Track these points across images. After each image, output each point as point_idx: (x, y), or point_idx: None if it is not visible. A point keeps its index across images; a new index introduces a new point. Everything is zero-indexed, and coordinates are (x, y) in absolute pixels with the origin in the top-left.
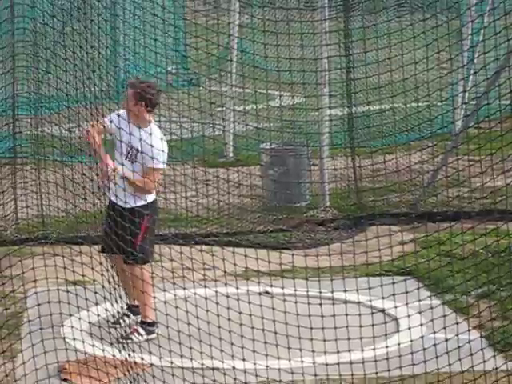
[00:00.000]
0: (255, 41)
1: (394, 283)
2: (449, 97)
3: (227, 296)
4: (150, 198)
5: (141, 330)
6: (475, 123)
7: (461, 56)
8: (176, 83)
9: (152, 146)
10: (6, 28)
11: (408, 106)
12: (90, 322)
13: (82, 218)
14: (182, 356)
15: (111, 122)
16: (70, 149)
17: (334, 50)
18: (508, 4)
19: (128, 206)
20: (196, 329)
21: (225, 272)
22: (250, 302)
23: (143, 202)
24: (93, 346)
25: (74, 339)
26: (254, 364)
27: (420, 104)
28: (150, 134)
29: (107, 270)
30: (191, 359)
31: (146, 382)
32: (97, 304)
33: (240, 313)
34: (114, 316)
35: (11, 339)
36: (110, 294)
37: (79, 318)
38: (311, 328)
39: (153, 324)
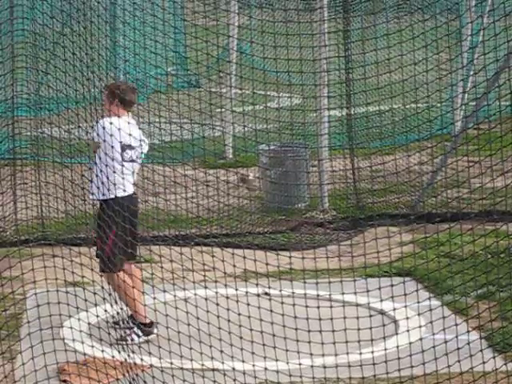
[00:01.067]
0: (254, 42)
1: (393, 285)
2: (448, 98)
3: (227, 297)
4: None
5: (139, 332)
6: (475, 124)
7: (460, 57)
8: (176, 84)
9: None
10: (5, 29)
11: (407, 107)
12: (89, 323)
13: (81, 220)
14: (181, 357)
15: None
16: (70, 150)
17: (333, 52)
18: (508, 5)
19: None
20: (196, 330)
21: (225, 273)
22: (248, 304)
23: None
24: (92, 347)
25: (74, 340)
26: (253, 366)
27: (419, 105)
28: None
29: None
30: (191, 360)
31: (145, 382)
32: (96, 305)
33: (239, 314)
34: (113, 317)
35: (10, 340)
36: (110, 294)
37: (78, 319)
38: (309, 331)
39: (150, 325)
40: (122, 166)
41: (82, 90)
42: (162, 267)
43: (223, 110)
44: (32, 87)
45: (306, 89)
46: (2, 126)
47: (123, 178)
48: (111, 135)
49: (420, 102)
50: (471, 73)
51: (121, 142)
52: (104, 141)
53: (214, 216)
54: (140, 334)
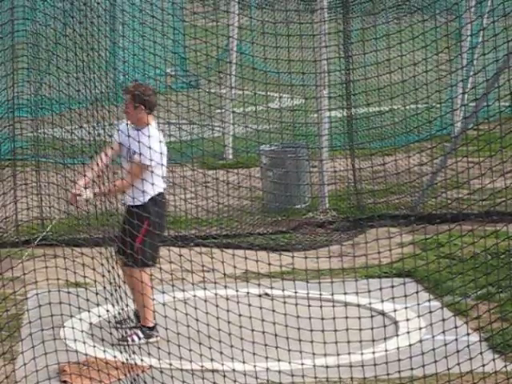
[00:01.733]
0: (254, 42)
1: (393, 286)
2: (448, 98)
3: (227, 298)
4: (147, 197)
5: (140, 334)
6: (475, 125)
7: (460, 57)
8: (175, 85)
9: (141, 142)
10: (6, 30)
11: (407, 107)
12: (90, 324)
13: (83, 220)
14: (181, 358)
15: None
16: (71, 150)
17: (332, 52)
18: (507, 6)
19: (130, 203)
20: (195, 331)
21: (224, 274)
22: (250, 305)
23: (139, 203)
24: (93, 347)
25: (75, 341)
26: (254, 366)
27: (419, 106)
28: (149, 136)
29: (108, 272)
30: (190, 361)
31: (145, 383)
32: (98, 305)
33: (239, 315)
34: (115, 317)
35: (12, 341)
36: (112, 295)
37: (80, 320)
38: (311, 330)
39: (153, 328)
40: (163, 177)
41: (83, 90)
42: (160, 268)
43: (223, 110)
44: (32, 88)
45: (306, 89)
46: (2, 126)
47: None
48: (161, 153)
49: (420, 102)
50: (471, 73)
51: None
52: (151, 160)
53: (214, 217)
54: (141, 335)
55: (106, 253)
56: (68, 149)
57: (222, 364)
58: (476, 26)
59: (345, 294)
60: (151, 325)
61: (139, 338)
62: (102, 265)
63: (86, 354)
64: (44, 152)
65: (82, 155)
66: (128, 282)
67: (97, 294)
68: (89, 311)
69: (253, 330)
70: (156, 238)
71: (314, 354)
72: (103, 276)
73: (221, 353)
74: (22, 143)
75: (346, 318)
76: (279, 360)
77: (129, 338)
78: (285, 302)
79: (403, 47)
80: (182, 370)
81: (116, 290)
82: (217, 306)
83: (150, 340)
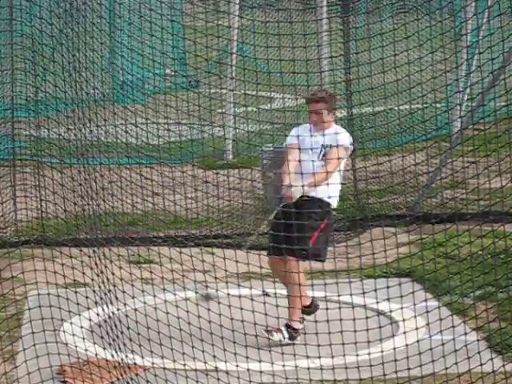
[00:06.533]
0: (251, 44)
1: (390, 286)
2: (450, 96)
3: (218, 303)
4: (334, 202)
5: (285, 333)
6: (475, 123)
7: (466, 57)
8: (175, 86)
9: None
10: (4, 29)
11: (408, 107)
12: (88, 324)
13: (81, 220)
14: (184, 353)
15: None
16: (69, 151)
17: (337, 52)
18: (508, 5)
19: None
20: (188, 331)
21: (226, 273)
22: (241, 309)
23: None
24: (92, 347)
25: (73, 341)
26: (248, 371)
27: (420, 105)
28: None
29: (101, 272)
30: (194, 359)
31: (147, 382)
32: (95, 306)
33: (232, 319)
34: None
35: (9, 341)
36: (105, 294)
37: (76, 321)
38: (305, 333)
39: (297, 331)
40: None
41: (80, 91)
42: (161, 265)
43: (223, 110)
44: (31, 87)
45: (306, 89)
46: (1, 126)
47: None
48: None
49: (420, 102)
50: (478, 73)
51: None
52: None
53: (214, 217)
54: (286, 335)
55: (98, 252)
56: (68, 149)
57: (223, 366)
58: (484, 25)
59: (338, 295)
60: (297, 327)
61: (283, 338)
62: (96, 265)
63: (84, 355)
64: (43, 152)
65: (82, 155)
66: (283, 278)
67: (92, 295)
68: (80, 314)
69: (245, 334)
70: (328, 237)
71: (308, 357)
72: (97, 276)
73: (226, 353)
74: (21, 143)
75: (340, 320)
76: (273, 363)
77: (274, 333)
78: (277, 306)
79: (407, 46)
80: (185, 370)
81: (109, 291)
82: (223, 305)
83: (291, 341)
